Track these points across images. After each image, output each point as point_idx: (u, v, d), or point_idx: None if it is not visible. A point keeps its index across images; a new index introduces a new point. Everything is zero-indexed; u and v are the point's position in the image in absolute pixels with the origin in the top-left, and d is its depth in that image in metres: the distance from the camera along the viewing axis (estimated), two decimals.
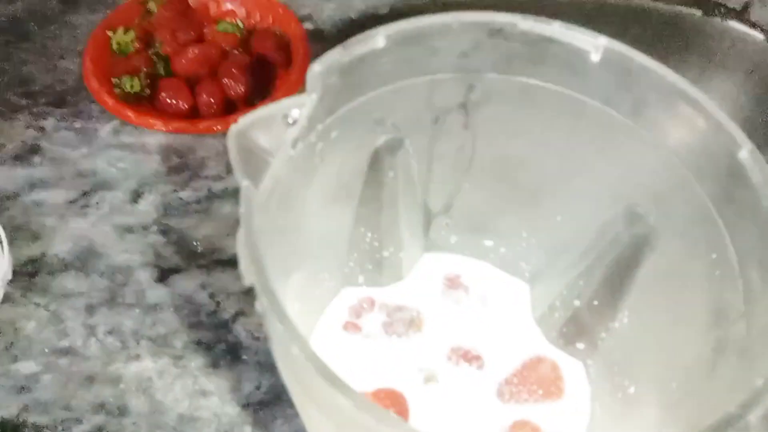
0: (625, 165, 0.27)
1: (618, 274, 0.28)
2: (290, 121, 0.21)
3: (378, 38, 0.23)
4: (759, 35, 0.62)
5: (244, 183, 0.20)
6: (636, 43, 0.61)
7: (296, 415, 0.37)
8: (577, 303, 0.31)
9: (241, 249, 0.20)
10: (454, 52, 0.25)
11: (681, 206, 0.26)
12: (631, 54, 0.24)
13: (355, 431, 0.20)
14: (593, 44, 0.25)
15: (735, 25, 0.63)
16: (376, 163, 0.28)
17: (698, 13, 0.63)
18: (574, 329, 0.31)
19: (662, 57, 0.70)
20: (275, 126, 0.21)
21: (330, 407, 0.20)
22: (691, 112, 0.24)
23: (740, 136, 0.23)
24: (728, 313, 0.23)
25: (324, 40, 0.54)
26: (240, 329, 0.40)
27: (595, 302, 0.30)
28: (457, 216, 0.32)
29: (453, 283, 0.32)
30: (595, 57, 0.25)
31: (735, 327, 0.22)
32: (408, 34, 0.24)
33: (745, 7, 0.62)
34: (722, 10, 0.63)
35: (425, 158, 0.29)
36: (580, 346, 0.31)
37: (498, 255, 0.33)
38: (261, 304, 0.21)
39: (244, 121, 0.21)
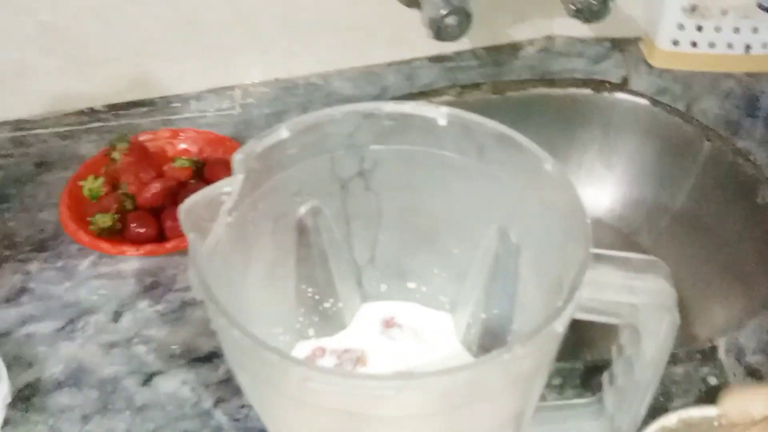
0: (486, 196, 0.34)
1: (505, 282, 0.35)
2: (224, 198, 0.28)
3: (282, 130, 0.31)
4: (644, 101, 0.73)
5: (191, 235, 0.26)
6: (541, 126, 0.71)
7: None
8: (483, 315, 0.37)
9: (192, 278, 0.26)
10: (342, 133, 0.33)
11: (525, 213, 0.33)
12: (466, 115, 0.33)
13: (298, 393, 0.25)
14: (438, 113, 0.33)
15: (622, 95, 0.74)
16: (302, 228, 0.35)
17: (588, 91, 0.75)
18: (489, 339, 0.37)
19: (568, 131, 0.81)
20: (213, 202, 0.28)
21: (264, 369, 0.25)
22: (512, 146, 0.32)
23: (544, 154, 0.31)
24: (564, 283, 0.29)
25: None
26: (220, 414, 0.45)
27: (495, 311, 0.36)
28: (380, 265, 0.38)
29: (389, 323, 0.39)
30: (442, 122, 0.33)
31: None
32: (305, 125, 0.32)
33: (625, 81, 0.74)
34: (608, 85, 0.75)
35: (342, 219, 0.36)
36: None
37: (421, 294, 0.39)
38: (213, 321, 0.27)
39: (191, 199, 0.28)
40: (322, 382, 0.24)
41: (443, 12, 0.60)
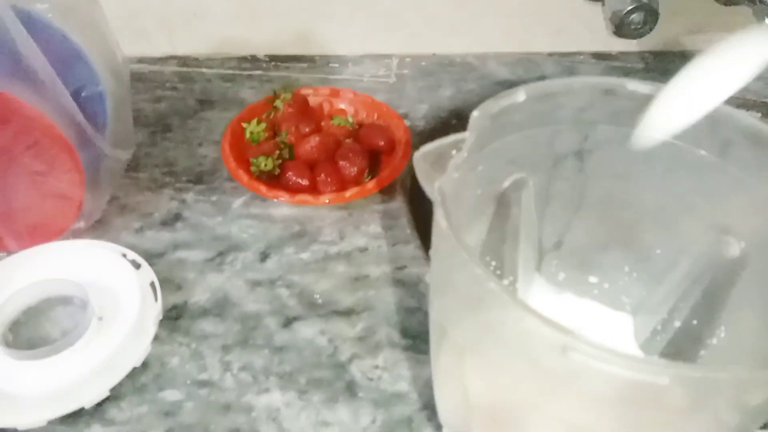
0: (716, 198, 0.32)
1: (714, 292, 0.33)
2: (454, 152, 0.28)
3: (519, 93, 0.30)
4: None
5: (437, 183, 0.26)
6: None
7: None
8: (677, 324, 0.35)
9: (440, 220, 0.25)
10: (574, 107, 0.32)
11: (766, 226, 0.31)
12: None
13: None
14: None
15: None
16: (503, 198, 0.34)
17: (757, 115, 0.70)
18: (675, 350, 0.35)
19: None
20: (444, 155, 0.28)
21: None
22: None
23: None
24: None
25: (417, 133, 0.62)
26: (355, 370, 0.45)
27: (694, 321, 0.34)
28: (565, 253, 0.37)
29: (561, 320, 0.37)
30: None
31: None
32: (542, 92, 0.31)
33: None
34: None
35: (543, 197, 0.34)
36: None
37: (601, 290, 0.37)
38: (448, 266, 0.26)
39: (425, 148, 0.27)
40: (588, 355, 0.22)
41: (630, 7, 0.57)
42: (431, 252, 0.29)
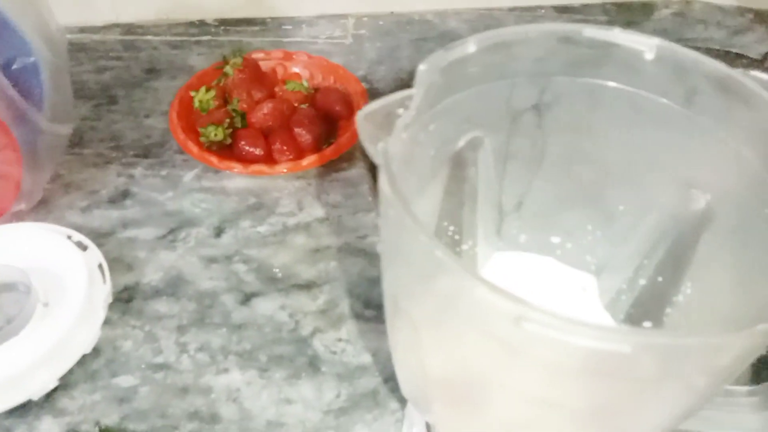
0: (681, 151, 0.31)
1: (680, 248, 0.32)
2: (400, 111, 0.26)
3: (469, 44, 0.28)
4: None
5: (380, 144, 0.24)
6: None
7: (375, 420, 0.40)
8: (642, 282, 0.34)
9: (384, 185, 0.23)
10: (530, 57, 0.30)
11: (733, 177, 0.29)
12: (682, 50, 0.29)
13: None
14: (648, 44, 0.29)
15: (758, 74, 0.68)
16: (459, 159, 0.32)
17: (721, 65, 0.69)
18: (641, 309, 0.34)
19: None
20: (390, 115, 0.26)
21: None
22: (737, 93, 0.28)
23: None
24: None
25: (376, 95, 0.60)
26: (318, 344, 0.43)
27: (660, 278, 0.33)
28: (526, 214, 0.35)
29: (523, 282, 0.36)
30: (649, 55, 0.29)
31: None
32: (494, 41, 0.29)
33: (765, 57, 0.67)
34: (744, 61, 0.68)
35: (501, 156, 0.33)
36: (647, 324, 0.34)
37: (564, 251, 0.36)
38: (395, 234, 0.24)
39: (368, 108, 0.25)
40: (543, 325, 0.21)
41: None
42: (379, 220, 0.27)
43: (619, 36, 0.29)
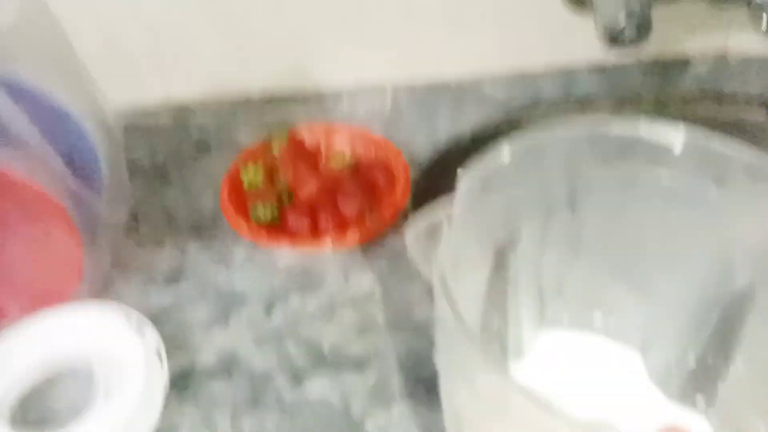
0: (718, 230, 0.31)
1: (726, 328, 0.32)
2: (444, 221, 0.27)
3: (503, 152, 0.29)
4: None
5: (433, 268, 0.25)
6: None
7: None
8: (691, 359, 0.34)
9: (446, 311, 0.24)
10: (561, 155, 0.31)
11: None
12: (708, 138, 0.30)
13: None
14: (674, 137, 0.30)
15: None
16: (501, 253, 0.33)
17: (763, 114, 0.68)
18: (693, 384, 0.33)
19: None
20: (435, 227, 0.27)
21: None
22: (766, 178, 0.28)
23: None
24: None
25: (416, 164, 0.61)
26: (371, 425, 0.44)
27: (709, 355, 0.33)
28: (568, 296, 0.36)
29: (570, 360, 0.36)
30: (677, 148, 0.30)
31: None
32: (527, 146, 0.30)
33: None
34: None
35: (540, 246, 0.33)
36: (700, 398, 0.34)
37: (608, 328, 0.36)
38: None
39: (415, 227, 0.26)
40: None
41: (622, 17, 0.56)
42: (436, 335, 0.27)
43: (645, 129, 0.30)
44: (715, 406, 0.33)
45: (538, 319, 0.37)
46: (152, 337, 0.47)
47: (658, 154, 0.30)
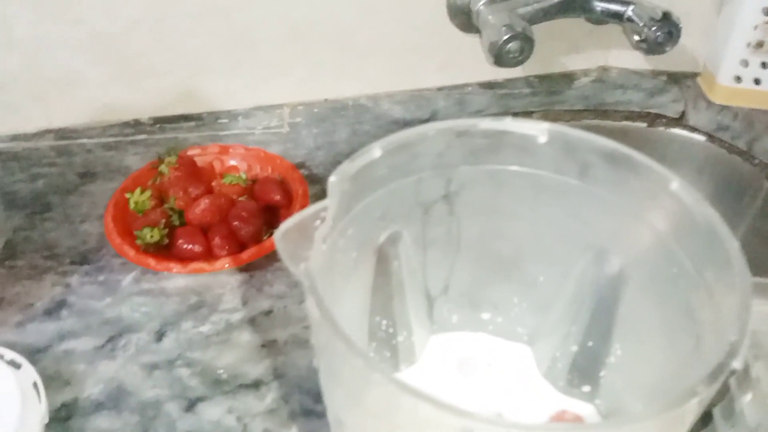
0: (585, 220, 0.32)
1: (602, 312, 0.33)
2: (317, 223, 0.26)
3: (374, 150, 0.29)
4: (701, 137, 0.71)
5: (302, 266, 0.24)
6: None
7: None
8: (574, 348, 0.34)
9: (312, 308, 0.23)
10: (432, 153, 0.31)
11: (638, 239, 0.31)
12: (569, 131, 0.31)
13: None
14: (539, 129, 0.31)
15: (678, 131, 0.72)
16: (382, 255, 0.32)
17: (643, 125, 0.72)
18: (578, 374, 0.34)
19: None
20: (307, 229, 0.26)
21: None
22: (625, 163, 0.30)
23: (667, 173, 0.29)
24: (697, 312, 0.27)
25: (317, 181, 0.61)
26: None
27: (590, 343, 0.34)
28: (454, 296, 0.36)
29: (462, 360, 0.36)
30: (542, 139, 0.31)
31: (704, 317, 0.27)
32: (397, 144, 0.30)
33: (682, 115, 0.71)
34: (664, 120, 0.72)
35: (421, 246, 0.33)
36: (586, 388, 0.34)
37: (496, 325, 0.37)
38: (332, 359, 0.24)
39: (284, 226, 0.26)
40: None
41: (505, 37, 0.58)
42: (312, 339, 0.27)
43: (511, 125, 0.31)
44: (599, 393, 0.34)
45: (427, 322, 0.36)
46: (28, 371, 0.44)
47: (525, 145, 0.31)
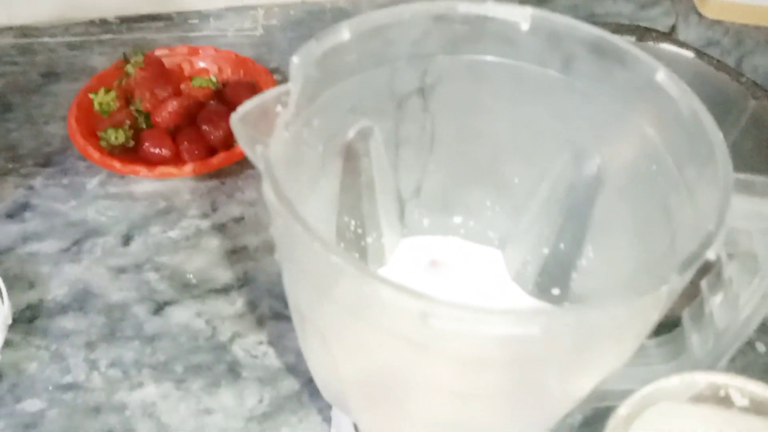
0: (566, 118, 0.30)
1: (577, 214, 0.32)
2: (279, 108, 0.24)
3: (343, 31, 0.27)
4: (689, 53, 0.69)
5: (258, 148, 0.23)
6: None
7: (300, 421, 0.38)
8: (545, 251, 0.34)
9: (267, 192, 0.22)
10: (407, 40, 0.29)
11: (618, 137, 0.29)
12: (554, 17, 0.29)
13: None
14: (522, 15, 0.29)
15: (667, 46, 0.69)
16: (351, 152, 0.31)
17: (632, 39, 0.70)
18: (548, 277, 0.34)
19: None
20: (269, 113, 0.24)
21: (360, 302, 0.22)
22: (611, 53, 0.28)
23: (654, 62, 0.27)
24: (674, 212, 0.26)
25: None
26: (238, 349, 0.42)
27: (561, 245, 0.33)
28: (426, 199, 0.35)
29: (433, 262, 0.35)
30: (524, 26, 0.29)
31: (681, 216, 0.26)
32: (368, 26, 0.28)
33: (672, 30, 0.69)
34: (653, 34, 0.70)
35: (392, 143, 0.32)
36: (556, 291, 0.34)
37: (468, 229, 0.36)
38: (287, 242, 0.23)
39: (243, 108, 0.24)
40: (449, 318, 0.20)
41: None
42: (270, 229, 0.25)
43: (492, 9, 0.29)
44: (569, 296, 0.34)
45: (397, 224, 0.35)
46: None
47: (506, 33, 0.29)
